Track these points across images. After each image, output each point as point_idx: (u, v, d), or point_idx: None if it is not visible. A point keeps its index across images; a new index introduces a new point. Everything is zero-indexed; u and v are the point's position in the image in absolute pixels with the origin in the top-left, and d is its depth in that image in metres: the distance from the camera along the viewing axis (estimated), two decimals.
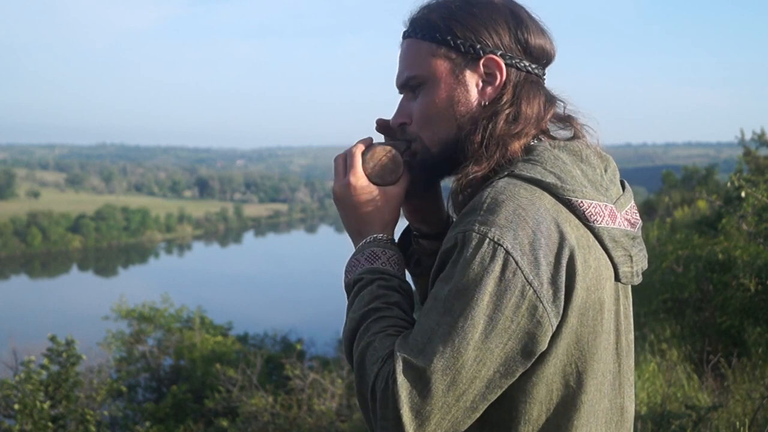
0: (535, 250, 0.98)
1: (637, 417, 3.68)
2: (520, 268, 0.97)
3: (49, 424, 6.56)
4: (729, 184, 6.12)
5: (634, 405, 1.18)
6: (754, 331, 5.03)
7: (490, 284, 0.97)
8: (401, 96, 1.22)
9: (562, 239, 1.00)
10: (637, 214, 1.18)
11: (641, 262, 1.15)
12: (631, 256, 1.11)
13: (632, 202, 1.18)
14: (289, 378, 8.67)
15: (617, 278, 1.09)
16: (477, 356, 0.96)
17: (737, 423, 3.47)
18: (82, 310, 37.59)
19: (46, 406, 6.61)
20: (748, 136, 10.55)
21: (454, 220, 1.11)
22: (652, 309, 6.34)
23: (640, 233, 1.17)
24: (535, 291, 0.97)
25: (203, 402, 9.81)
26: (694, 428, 3.44)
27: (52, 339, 7.29)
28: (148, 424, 8.69)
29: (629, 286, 1.16)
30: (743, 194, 5.42)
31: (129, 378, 12.37)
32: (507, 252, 0.97)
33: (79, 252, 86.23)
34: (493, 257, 0.97)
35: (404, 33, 1.20)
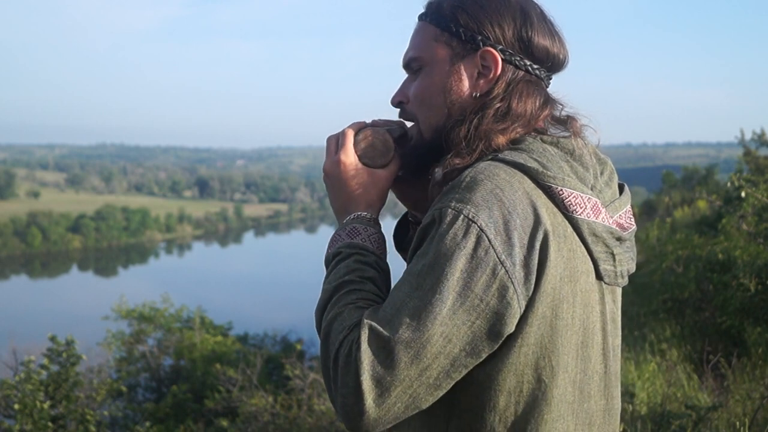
0: (509, 231, 0.97)
1: (637, 417, 3.68)
2: (492, 247, 0.96)
3: (49, 424, 6.56)
4: (729, 184, 6.13)
5: (620, 408, 1.17)
6: (754, 331, 5.03)
7: (461, 260, 0.96)
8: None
9: (537, 222, 0.99)
10: (632, 219, 1.17)
11: (627, 263, 1.13)
12: (613, 254, 1.09)
13: (628, 206, 1.17)
14: (289, 378, 8.67)
15: (599, 276, 1.07)
16: (443, 332, 0.96)
17: (737, 423, 3.47)
18: (82, 310, 37.59)
19: (46, 406, 6.60)
20: (748, 136, 10.57)
21: None
22: (652, 309, 6.35)
23: (631, 238, 1.16)
24: (506, 271, 0.96)
25: (203, 402, 9.81)
26: (694, 428, 3.44)
27: (52, 339, 7.29)
28: (148, 424, 8.68)
29: (618, 290, 1.15)
30: (743, 194, 5.42)
31: (129, 378, 12.36)
32: (480, 229, 0.97)
33: (79, 252, 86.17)
34: (466, 234, 0.97)
35: (419, 15, 1.21)
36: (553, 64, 1.17)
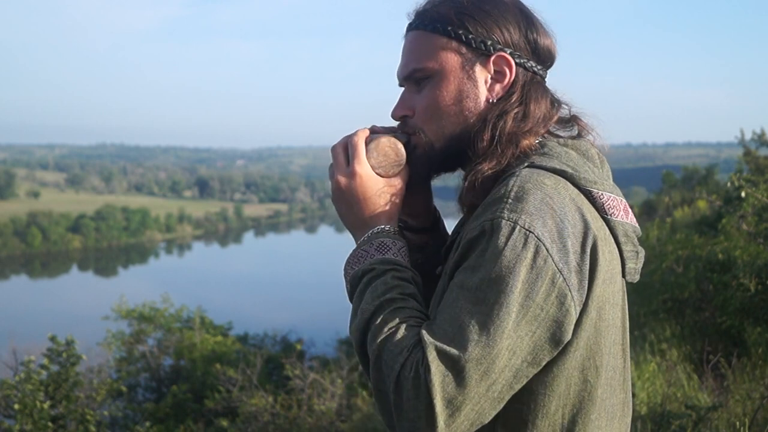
0: (563, 238, 0.98)
1: (637, 417, 3.68)
2: (550, 256, 0.97)
3: (49, 424, 6.56)
4: (729, 184, 6.12)
5: (632, 400, 1.19)
6: (754, 331, 5.03)
7: (522, 272, 0.96)
8: (402, 89, 1.20)
9: (586, 228, 1.01)
10: None
11: (642, 260, 1.16)
12: (637, 252, 1.12)
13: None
14: (289, 378, 8.68)
15: (623, 274, 1.10)
16: (509, 345, 0.95)
17: (737, 423, 3.47)
18: (82, 310, 37.59)
19: (46, 406, 6.61)
20: (748, 136, 10.57)
21: (462, 215, 1.11)
22: (652, 309, 6.33)
23: None
24: (564, 279, 0.97)
25: (203, 402, 9.82)
26: (694, 428, 3.44)
27: (52, 339, 7.30)
28: (148, 424, 8.69)
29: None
30: (743, 194, 5.42)
31: (129, 378, 12.38)
32: (538, 239, 0.97)
33: (79, 252, 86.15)
34: (525, 245, 0.97)
35: (410, 25, 1.18)
36: (551, 62, 1.19)
